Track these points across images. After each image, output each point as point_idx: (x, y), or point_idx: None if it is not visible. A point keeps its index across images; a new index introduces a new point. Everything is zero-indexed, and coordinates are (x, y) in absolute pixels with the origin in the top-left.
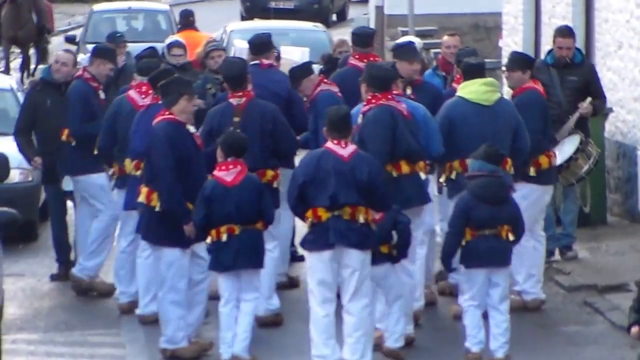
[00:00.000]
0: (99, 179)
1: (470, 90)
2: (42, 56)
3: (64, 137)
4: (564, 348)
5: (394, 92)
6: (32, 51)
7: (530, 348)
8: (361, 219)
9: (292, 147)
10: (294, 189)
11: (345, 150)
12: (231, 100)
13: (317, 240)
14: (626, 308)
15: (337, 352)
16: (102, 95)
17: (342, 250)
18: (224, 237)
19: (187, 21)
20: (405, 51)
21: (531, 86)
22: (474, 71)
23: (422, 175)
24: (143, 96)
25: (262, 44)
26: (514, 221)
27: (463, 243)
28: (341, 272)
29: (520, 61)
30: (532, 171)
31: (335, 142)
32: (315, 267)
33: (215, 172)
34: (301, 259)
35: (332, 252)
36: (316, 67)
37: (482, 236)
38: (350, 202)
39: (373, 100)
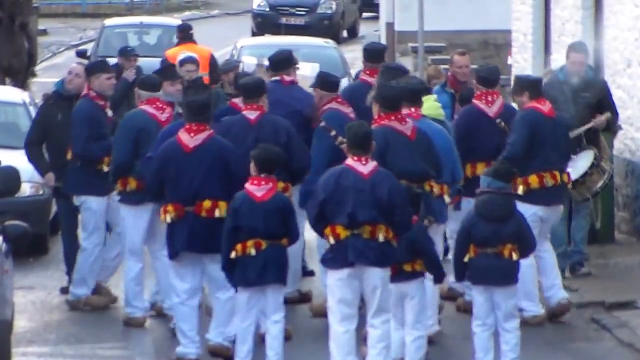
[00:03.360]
0: (94, 203)
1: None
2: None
3: (68, 156)
4: None
5: (411, 111)
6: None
7: None
8: (381, 237)
9: (305, 164)
10: (314, 206)
11: (365, 167)
12: (245, 112)
13: (337, 258)
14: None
15: None
16: (109, 113)
17: (362, 269)
18: (252, 252)
19: (185, 34)
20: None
21: (532, 105)
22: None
23: (446, 199)
24: (160, 112)
25: (282, 60)
26: (518, 240)
27: (466, 260)
28: (363, 290)
29: (517, 85)
30: (520, 189)
31: (356, 158)
32: (335, 285)
33: (247, 186)
34: (311, 273)
35: (352, 270)
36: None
37: (484, 254)
38: (369, 221)
39: (378, 120)
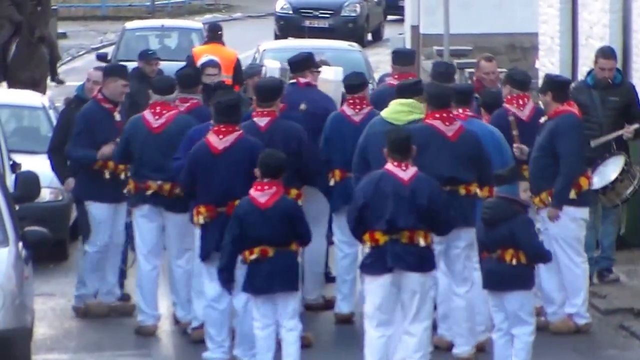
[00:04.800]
0: (93, 208)
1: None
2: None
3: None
4: None
5: (459, 112)
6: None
7: None
8: (421, 243)
9: (319, 166)
10: (353, 211)
11: (406, 173)
12: (255, 119)
13: (375, 264)
14: None
15: None
16: (117, 117)
17: (401, 274)
18: (257, 259)
19: (214, 35)
20: None
21: (568, 110)
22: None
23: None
24: (157, 117)
25: (299, 62)
26: (516, 244)
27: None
28: (401, 295)
29: (545, 83)
30: (572, 194)
31: (396, 164)
32: (373, 291)
33: (251, 192)
34: (334, 280)
35: (391, 276)
36: None
37: (489, 258)
38: (408, 227)
39: (426, 118)
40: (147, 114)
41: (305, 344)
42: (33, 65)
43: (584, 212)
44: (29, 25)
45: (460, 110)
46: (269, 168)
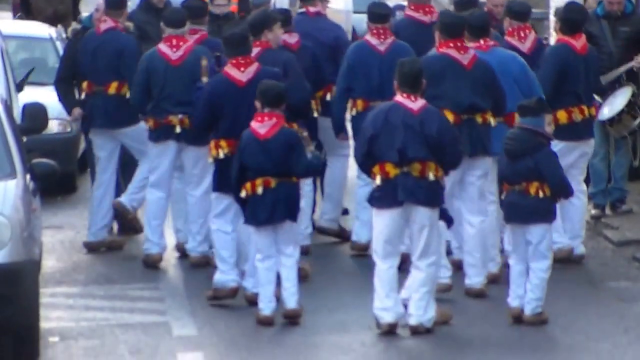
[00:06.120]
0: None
1: None
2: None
3: (111, 90)
4: (612, 304)
5: (480, 43)
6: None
7: (579, 304)
8: (431, 176)
9: (304, 98)
10: (362, 144)
11: (415, 104)
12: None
13: (385, 197)
14: None
15: (399, 306)
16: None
17: (411, 208)
18: (260, 190)
19: None
20: None
21: (564, 40)
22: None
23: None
24: (174, 49)
25: None
26: (541, 177)
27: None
28: (410, 229)
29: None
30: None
31: (405, 95)
32: (382, 224)
33: (252, 123)
34: (345, 212)
35: (401, 210)
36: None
37: (512, 191)
38: (419, 157)
39: (439, 47)
40: (163, 47)
41: (303, 276)
42: (55, 1)
43: (563, 146)
44: None
45: (482, 41)
46: (267, 98)
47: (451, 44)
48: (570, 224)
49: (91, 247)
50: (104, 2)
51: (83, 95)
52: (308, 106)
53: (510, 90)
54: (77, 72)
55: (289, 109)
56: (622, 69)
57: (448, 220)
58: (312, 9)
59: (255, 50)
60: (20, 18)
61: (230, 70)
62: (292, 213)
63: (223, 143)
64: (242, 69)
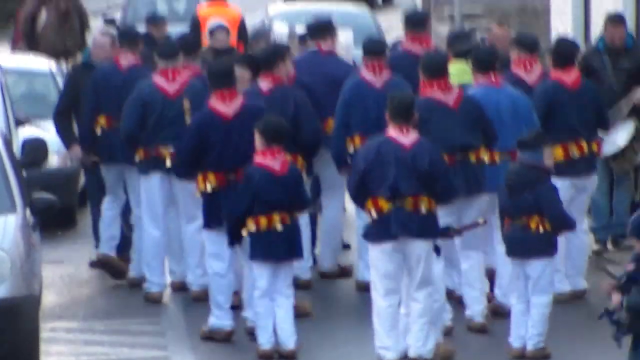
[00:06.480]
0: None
1: None
2: None
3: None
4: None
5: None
6: None
7: (581, 339)
8: (423, 209)
9: (315, 136)
10: (354, 178)
11: (407, 138)
12: (260, 83)
13: (380, 232)
14: None
15: (400, 343)
16: None
17: (406, 241)
18: (279, 227)
19: None
20: None
21: (553, 76)
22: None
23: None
24: (170, 82)
25: (320, 28)
26: (541, 211)
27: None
28: (406, 262)
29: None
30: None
31: (398, 128)
32: (378, 259)
33: (260, 160)
34: (347, 247)
35: (396, 243)
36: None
37: (513, 225)
38: (411, 193)
39: (422, 90)
40: (158, 79)
41: (303, 313)
42: (64, 34)
43: (560, 183)
44: None
45: (493, 78)
46: (275, 134)
47: (435, 85)
48: (572, 262)
49: (100, 262)
50: (117, 37)
51: (99, 130)
52: (318, 144)
53: (518, 130)
54: (96, 107)
55: (300, 146)
56: (625, 109)
57: (436, 250)
58: (324, 48)
59: (266, 85)
60: (20, 50)
61: (216, 103)
62: (297, 249)
63: (211, 176)
64: (227, 102)
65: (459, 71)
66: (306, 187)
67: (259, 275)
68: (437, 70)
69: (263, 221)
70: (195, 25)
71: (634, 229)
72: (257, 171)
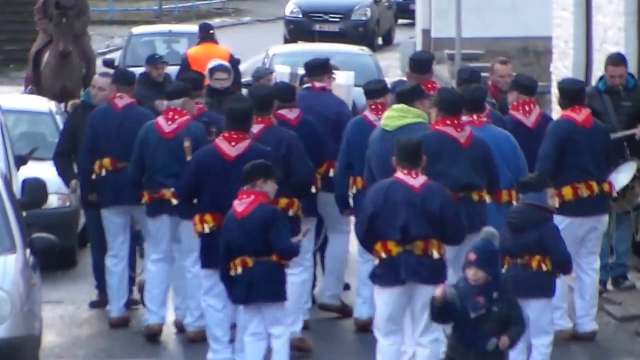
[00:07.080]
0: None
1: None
2: None
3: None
4: None
5: (473, 118)
6: None
7: None
8: (435, 254)
9: (306, 177)
10: (362, 221)
11: (416, 180)
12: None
13: (387, 275)
14: None
15: None
16: None
17: (414, 286)
18: (239, 270)
19: (206, 34)
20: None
21: (565, 114)
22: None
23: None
24: (169, 122)
25: (314, 67)
26: (543, 251)
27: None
28: (412, 306)
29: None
30: (555, 202)
31: (406, 172)
32: (384, 301)
33: (234, 202)
34: (347, 287)
35: (403, 288)
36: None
37: (514, 264)
38: (422, 236)
39: (435, 124)
40: (160, 119)
41: (305, 349)
42: (64, 76)
43: (569, 223)
44: (56, 37)
45: (475, 117)
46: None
47: (448, 122)
48: (582, 301)
49: (118, 323)
50: (112, 79)
51: (103, 172)
52: (310, 185)
53: (500, 169)
54: (93, 148)
55: (292, 188)
56: (624, 133)
57: None
58: (317, 84)
59: (257, 127)
60: (31, 92)
61: (221, 142)
62: (274, 293)
63: (208, 217)
64: (233, 143)
65: None
66: (286, 231)
67: (241, 316)
68: (453, 108)
69: (231, 265)
70: (185, 65)
71: None
72: (228, 213)
